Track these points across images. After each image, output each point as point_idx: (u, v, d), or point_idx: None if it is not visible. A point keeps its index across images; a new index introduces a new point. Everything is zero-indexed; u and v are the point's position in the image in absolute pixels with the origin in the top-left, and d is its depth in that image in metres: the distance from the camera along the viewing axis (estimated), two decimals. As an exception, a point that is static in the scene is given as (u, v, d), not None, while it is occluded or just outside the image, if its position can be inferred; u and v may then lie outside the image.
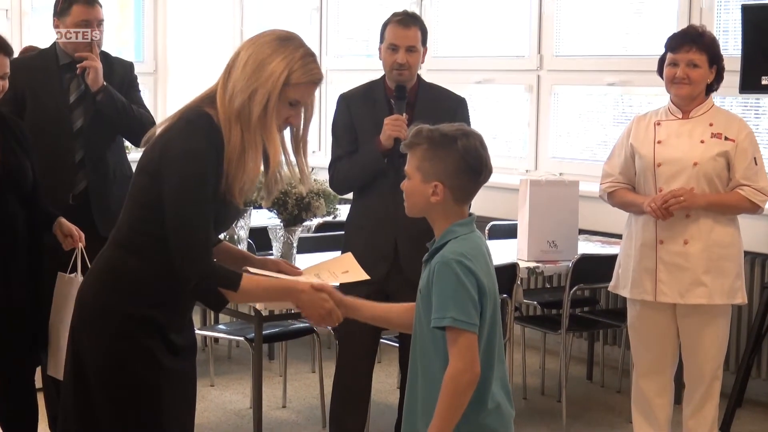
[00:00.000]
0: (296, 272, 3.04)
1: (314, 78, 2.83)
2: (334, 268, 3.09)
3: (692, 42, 4.28)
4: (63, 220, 3.97)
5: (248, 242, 4.83)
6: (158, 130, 2.85)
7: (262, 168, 2.86)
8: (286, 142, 2.92)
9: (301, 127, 2.90)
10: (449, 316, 2.59)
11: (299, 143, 2.91)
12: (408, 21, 4.38)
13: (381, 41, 4.41)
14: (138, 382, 2.82)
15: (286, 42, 2.81)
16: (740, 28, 5.08)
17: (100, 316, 2.82)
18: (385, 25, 4.41)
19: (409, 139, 2.74)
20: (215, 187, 2.77)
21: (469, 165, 2.68)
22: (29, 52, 5.35)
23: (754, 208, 4.30)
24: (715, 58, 4.30)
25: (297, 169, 2.92)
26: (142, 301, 2.80)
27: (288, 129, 2.89)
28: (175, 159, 2.74)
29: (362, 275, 3.06)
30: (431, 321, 2.63)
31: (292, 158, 2.92)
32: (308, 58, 2.82)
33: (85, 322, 2.86)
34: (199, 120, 2.78)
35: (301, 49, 2.82)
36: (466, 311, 2.60)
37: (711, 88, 4.36)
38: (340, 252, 4.47)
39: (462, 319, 2.59)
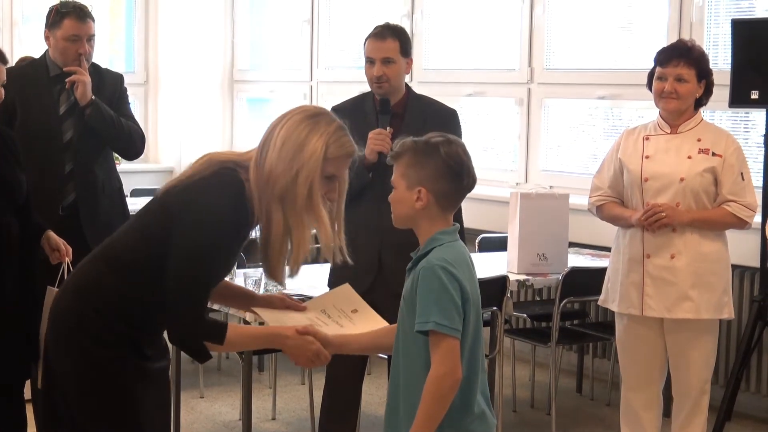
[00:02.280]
0: (300, 307, 3.05)
1: (349, 151, 2.85)
2: (341, 304, 3.08)
3: (680, 56, 4.29)
4: (51, 233, 3.95)
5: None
6: (188, 174, 2.83)
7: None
8: None
9: (336, 201, 2.91)
10: (432, 320, 2.62)
11: (335, 218, 2.92)
12: (384, 33, 4.37)
13: (365, 56, 4.42)
14: (112, 389, 2.83)
15: (318, 118, 2.83)
16: (730, 43, 5.09)
17: (74, 326, 2.83)
18: (365, 40, 4.43)
19: (395, 150, 2.79)
20: (229, 253, 2.82)
21: (452, 169, 2.73)
22: (24, 62, 5.34)
23: (741, 224, 4.30)
24: (703, 73, 4.31)
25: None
26: (117, 319, 2.82)
27: None
28: (195, 222, 2.74)
29: (374, 317, 3.06)
30: (415, 326, 2.66)
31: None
32: (341, 131, 2.84)
33: (58, 332, 2.88)
34: (232, 187, 2.79)
35: (333, 123, 2.83)
36: (450, 316, 2.63)
37: (700, 102, 4.37)
38: (328, 264, 4.47)
39: (445, 324, 2.62)
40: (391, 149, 2.83)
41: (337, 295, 3.14)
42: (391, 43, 4.35)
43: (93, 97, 4.63)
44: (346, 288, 3.15)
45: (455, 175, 2.74)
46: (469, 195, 4.50)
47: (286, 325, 2.92)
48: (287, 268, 2.90)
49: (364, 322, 3.04)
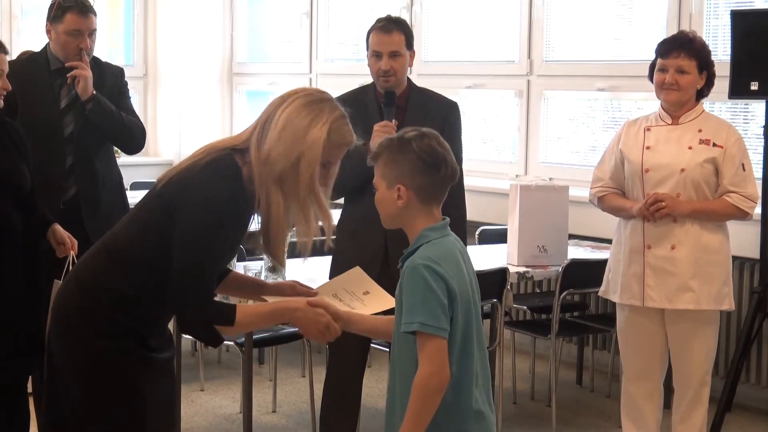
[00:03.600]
0: (311, 293, 3.05)
1: (349, 140, 2.86)
2: (352, 287, 3.07)
3: (681, 48, 4.29)
4: (57, 226, 3.96)
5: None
6: (185, 164, 2.82)
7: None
8: None
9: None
10: (417, 320, 2.61)
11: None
12: (390, 27, 4.36)
13: (367, 49, 4.41)
14: (116, 381, 2.83)
15: (322, 104, 2.83)
16: (729, 34, 5.09)
17: (77, 318, 2.83)
18: (368, 33, 4.42)
19: (374, 152, 2.79)
20: (231, 237, 2.81)
21: (426, 162, 2.71)
22: (25, 56, 5.34)
23: (742, 215, 4.30)
24: (704, 64, 4.31)
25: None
26: (120, 311, 2.82)
27: None
28: (193, 206, 2.75)
29: (386, 298, 3.04)
30: (402, 326, 2.66)
31: None
32: (343, 120, 2.84)
33: (60, 325, 2.88)
34: (227, 170, 2.79)
35: (337, 110, 2.84)
36: (435, 316, 2.62)
37: (701, 93, 4.37)
38: (330, 257, 4.47)
39: (430, 324, 2.61)
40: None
41: (348, 279, 3.12)
42: (397, 36, 4.34)
43: (94, 91, 4.62)
44: (357, 270, 3.13)
45: (430, 167, 2.72)
46: (469, 187, 4.53)
47: (295, 299, 2.92)
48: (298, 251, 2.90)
49: (376, 303, 3.02)
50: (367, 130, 4.28)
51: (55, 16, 4.68)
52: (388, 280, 4.18)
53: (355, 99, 4.44)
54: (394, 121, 4.28)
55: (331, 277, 4.34)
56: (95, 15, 4.72)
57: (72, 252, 3.87)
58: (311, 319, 2.84)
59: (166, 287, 2.77)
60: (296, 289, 3.06)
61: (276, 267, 4.28)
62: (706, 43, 4.45)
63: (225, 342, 5.27)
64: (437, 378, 2.62)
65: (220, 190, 2.75)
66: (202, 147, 2.88)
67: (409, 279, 2.66)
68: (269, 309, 2.93)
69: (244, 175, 2.81)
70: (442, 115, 4.36)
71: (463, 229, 4.32)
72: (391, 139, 2.77)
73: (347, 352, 4.43)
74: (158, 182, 2.87)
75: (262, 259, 4.40)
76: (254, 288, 3.16)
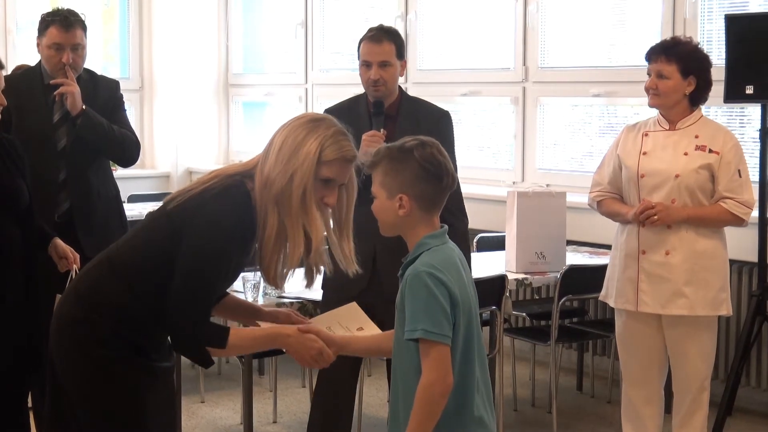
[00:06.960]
0: (306, 323, 3.05)
1: (346, 154, 2.84)
2: (346, 322, 3.08)
3: (661, 52, 4.29)
4: (58, 241, 3.95)
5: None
6: (197, 189, 2.83)
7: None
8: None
9: (344, 209, 2.92)
10: (421, 328, 2.62)
11: (342, 227, 2.93)
12: (380, 36, 4.36)
13: (358, 58, 4.41)
14: (117, 390, 2.84)
15: (318, 122, 2.84)
16: (724, 38, 5.10)
17: (77, 329, 2.85)
18: (359, 43, 4.42)
19: (371, 160, 2.78)
20: (234, 262, 2.84)
21: (428, 171, 2.72)
22: (20, 70, 5.34)
23: (737, 221, 4.29)
24: (690, 69, 4.27)
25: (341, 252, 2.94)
26: (120, 323, 2.83)
27: (330, 212, 2.91)
28: (202, 230, 2.76)
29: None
30: (404, 333, 2.66)
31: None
32: (340, 135, 2.84)
33: (61, 336, 2.89)
34: (237, 197, 2.81)
35: (333, 127, 2.84)
36: (438, 323, 2.63)
37: (697, 99, 4.36)
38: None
39: (434, 331, 2.62)
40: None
41: (343, 313, 3.13)
42: (387, 46, 4.34)
43: (84, 106, 4.62)
44: (353, 306, 3.14)
45: (433, 176, 2.73)
46: (466, 195, 4.52)
47: (287, 326, 2.92)
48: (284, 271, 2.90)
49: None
50: (360, 139, 4.28)
51: (39, 29, 4.69)
52: (376, 291, 4.18)
53: (347, 109, 4.44)
54: (382, 130, 4.26)
55: (323, 287, 4.32)
56: (84, 29, 4.70)
57: (75, 266, 3.87)
58: (304, 345, 2.87)
59: (164, 303, 2.78)
60: (291, 318, 3.09)
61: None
62: (700, 47, 4.43)
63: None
64: (441, 385, 2.63)
65: (229, 218, 2.77)
66: (212, 172, 2.90)
67: (412, 286, 2.66)
68: (261, 334, 2.95)
69: (252, 201, 2.83)
70: (434, 124, 4.33)
71: (465, 240, 4.30)
72: (390, 148, 2.77)
73: (340, 364, 4.37)
74: (168, 202, 2.88)
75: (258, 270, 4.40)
76: (249, 312, 3.18)
